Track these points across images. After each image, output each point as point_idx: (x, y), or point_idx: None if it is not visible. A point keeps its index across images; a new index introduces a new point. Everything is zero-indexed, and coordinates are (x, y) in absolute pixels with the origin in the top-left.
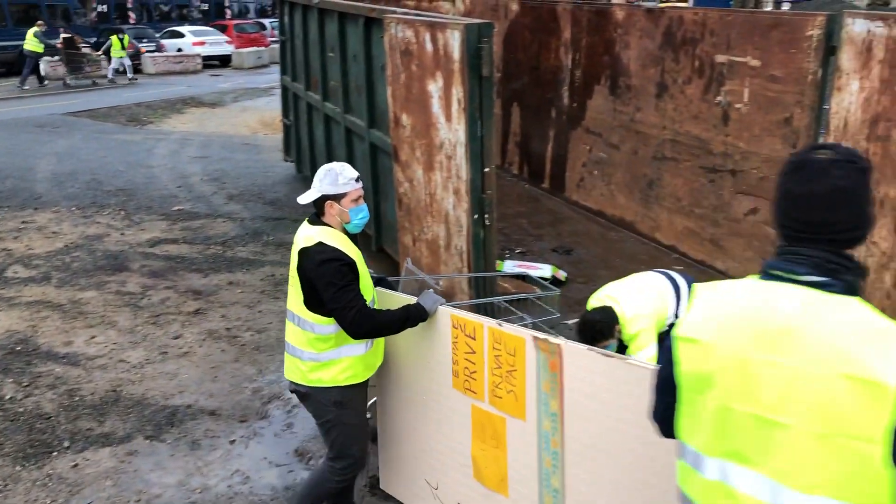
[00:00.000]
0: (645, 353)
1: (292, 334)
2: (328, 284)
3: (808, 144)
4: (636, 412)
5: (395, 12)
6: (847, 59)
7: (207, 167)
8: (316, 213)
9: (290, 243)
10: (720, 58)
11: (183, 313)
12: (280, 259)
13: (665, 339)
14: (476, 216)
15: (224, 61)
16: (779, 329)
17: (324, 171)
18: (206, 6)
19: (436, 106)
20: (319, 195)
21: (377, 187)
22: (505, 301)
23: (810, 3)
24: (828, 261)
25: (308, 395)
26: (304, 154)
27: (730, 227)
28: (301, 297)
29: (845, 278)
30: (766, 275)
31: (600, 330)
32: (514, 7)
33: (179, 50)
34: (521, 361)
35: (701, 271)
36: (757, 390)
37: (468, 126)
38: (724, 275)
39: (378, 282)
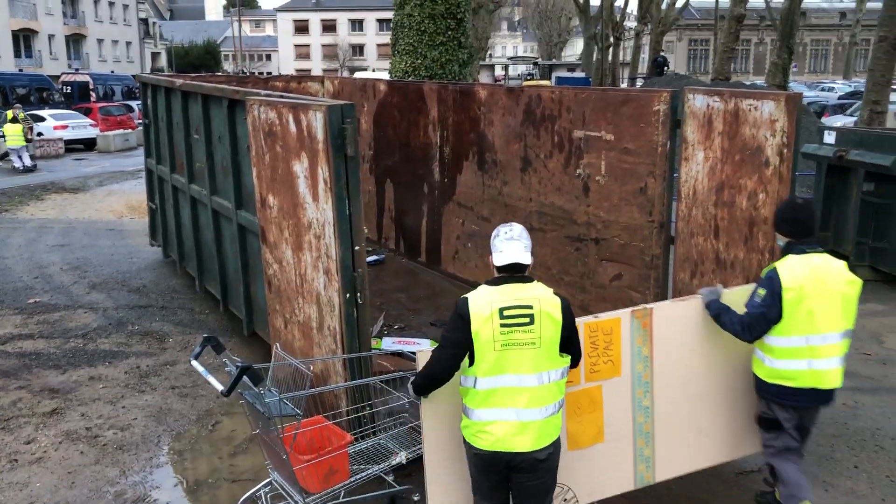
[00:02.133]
0: None
1: (546, 395)
2: (575, 327)
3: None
4: (705, 336)
5: (258, 94)
6: (691, 131)
7: (67, 256)
8: (516, 271)
9: (156, 332)
10: (577, 133)
11: (37, 415)
12: (146, 350)
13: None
14: (348, 295)
15: (89, 145)
16: (828, 270)
17: (525, 232)
18: (69, 89)
19: (302, 186)
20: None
21: (247, 269)
22: (380, 381)
23: (661, 79)
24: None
25: (553, 451)
26: (171, 238)
27: (597, 293)
28: (555, 350)
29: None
30: (804, 251)
31: None
32: (382, 87)
33: (40, 134)
34: (616, 334)
35: None
36: (829, 299)
37: (336, 205)
38: None
39: (244, 370)
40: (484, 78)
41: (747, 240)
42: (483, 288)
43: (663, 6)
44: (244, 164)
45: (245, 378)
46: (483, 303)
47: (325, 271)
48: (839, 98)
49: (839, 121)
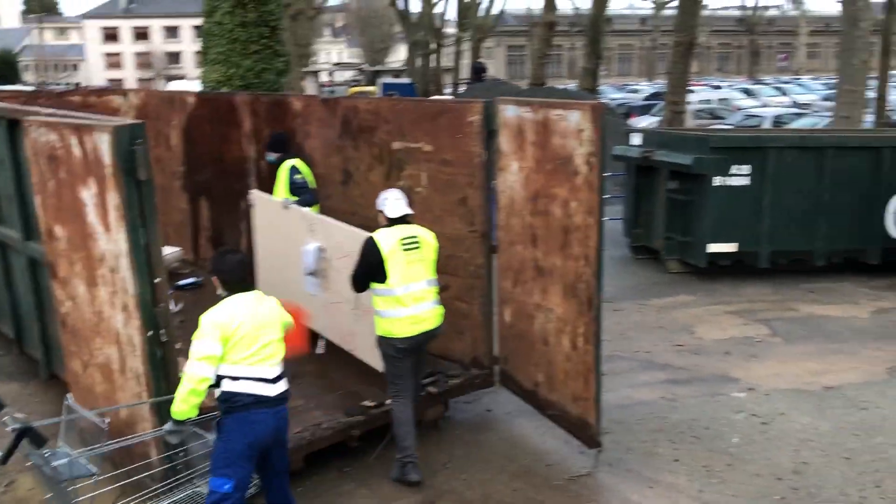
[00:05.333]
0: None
1: (431, 293)
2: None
3: None
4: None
5: (38, 113)
6: (505, 142)
7: None
8: (405, 217)
9: None
10: (396, 144)
11: None
12: None
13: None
14: (151, 333)
15: None
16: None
17: (403, 194)
18: None
19: (91, 215)
20: None
21: (42, 306)
22: (192, 422)
23: (481, 85)
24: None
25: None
26: None
27: None
28: (434, 264)
29: None
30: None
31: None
32: (191, 100)
33: None
34: None
35: None
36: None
37: (130, 235)
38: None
39: (22, 434)
40: (309, 85)
41: (563, 247)
42: (384, 230)
43: (480, 13)
44: (31, 191)
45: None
46: (386, 236)
47: (122, 308)
48: (644, 99)
49: (645, 121)
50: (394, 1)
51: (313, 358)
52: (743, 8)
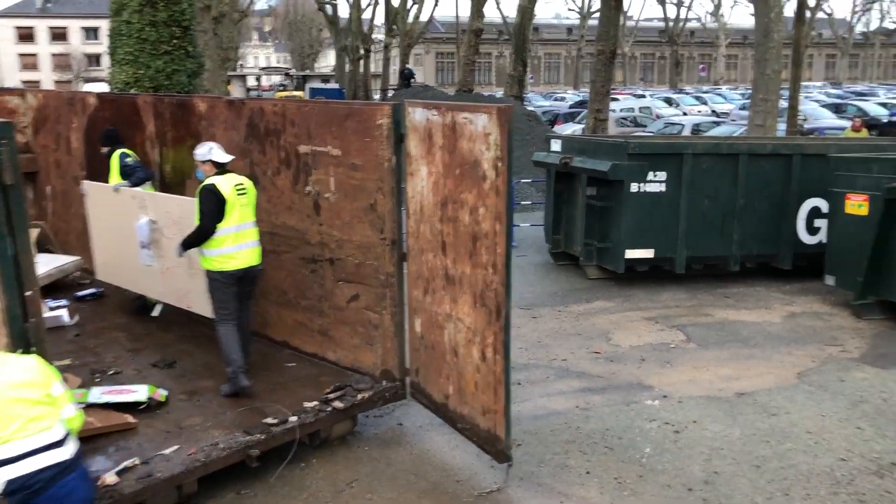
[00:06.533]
0: None
1: (255, 233)
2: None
3: None
4: None
5: None
6: (414, 146)
7: None
8: (225, 166)
9: None
10: (303, 148)
11: None
12: None
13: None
14: (21, 351)
15: None
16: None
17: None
18: None
19: None
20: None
21: None
22: None
23: (408, 91)
24: None
25: (261, 269)
26: None
27: (335, 315)
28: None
29: None
30: None
31: None
32: (92, 101)
33: None
34: None
35: (314, 364)
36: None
37: None
38: (335, 365)
39: None
40: (236, 89)
41: (472, 255)
42: (219, 177)
43: (409, 20)
44: None
45: None
46: (223, 182)
47: None
48: (570, 107)
49: (570, 128)
50: (322, 6)
51: (214, 373)
52: (665, 20)
